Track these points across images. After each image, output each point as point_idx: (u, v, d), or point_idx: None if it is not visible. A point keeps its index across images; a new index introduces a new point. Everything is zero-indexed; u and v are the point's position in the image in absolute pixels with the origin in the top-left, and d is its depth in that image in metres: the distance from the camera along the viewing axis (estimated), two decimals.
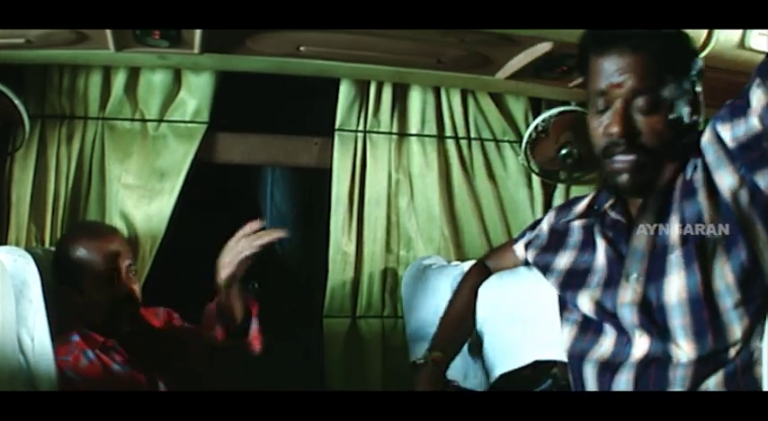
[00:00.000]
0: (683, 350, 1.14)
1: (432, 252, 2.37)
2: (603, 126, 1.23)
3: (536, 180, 2.51)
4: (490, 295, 1.65)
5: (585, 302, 1.30)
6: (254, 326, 1.77)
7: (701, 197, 1.17)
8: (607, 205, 1.35)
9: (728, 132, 1.10)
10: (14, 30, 1.70)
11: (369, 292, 2.35)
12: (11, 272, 1.50)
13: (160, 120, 2.19)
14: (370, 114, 2.36)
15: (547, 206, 2.50)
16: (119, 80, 2.14)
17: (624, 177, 1.23)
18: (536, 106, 2.49)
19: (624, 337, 1.23)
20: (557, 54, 1.91)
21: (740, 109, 1.08)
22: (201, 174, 2.23)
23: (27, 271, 1.59)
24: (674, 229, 1.20)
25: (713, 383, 1.12)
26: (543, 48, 1.89)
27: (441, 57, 2.01)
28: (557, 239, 1.47)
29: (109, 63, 2.09)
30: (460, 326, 1.64)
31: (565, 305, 1.39)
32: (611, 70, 1.20)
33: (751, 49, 1.83)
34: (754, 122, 1.05)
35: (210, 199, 2.50)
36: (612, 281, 1.27)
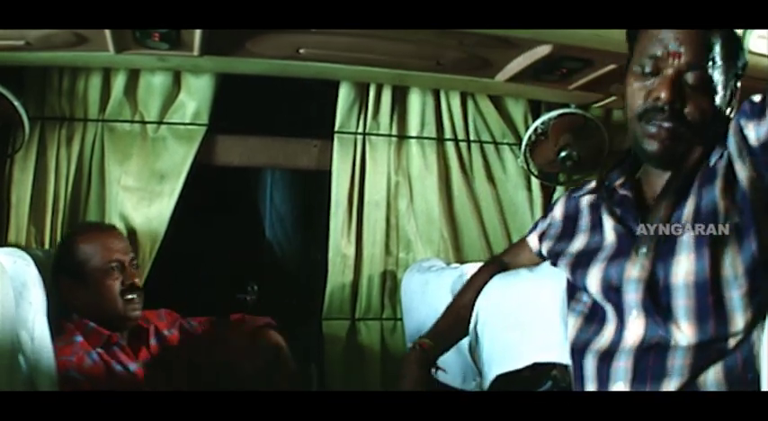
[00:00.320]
0: (684, 333, 1.14)
1: (431, 254, 2.37)
2: (649, 90, 1.22)
3: (535, 182, 2.51)
4: (490, 297, 1.65)
5: (593, 279, 1.29)
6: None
7: (720, 185, 1.16)
8: (618, 183, 1.34)
9: (753, 131, 1.10)
10: (14, 32, 1.70)
11: (368, 294, 2.35)
12: (10, 273, 1.50)
13: (160, 123, 2.19)
14: (369, 117, 2.36)
15: (546, 208, 2.50)
16: (118, 82, 2.14)
17: (657, 144, 1.22)
18: (535, 109, 2.49)
19: (621, 320, 1.23)
20: (556, 56, 1.91)
21: (762, 110, 1.07)
22: (201, 177, 2.23)
23: (27, 272, 1.59)
24: (688, 211, 1.19)
25: (712, 375, 1.11)
26: (543, 50, 1.89)
27: (440, 59, 2.01)
28: (569, 225, 1.46)
29: (109, 65, 2.09)
30: (460, 318, 1.64)
31: (573, 294, 1.38)
32: (672, 38, 1.20)
33: (750, 52, 1.83)
34: None
35: (210, 201, 2.50)
36: (622, 254, 1.26)
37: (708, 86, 1.20)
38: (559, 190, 2.53)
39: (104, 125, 2.15)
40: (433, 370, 1.53)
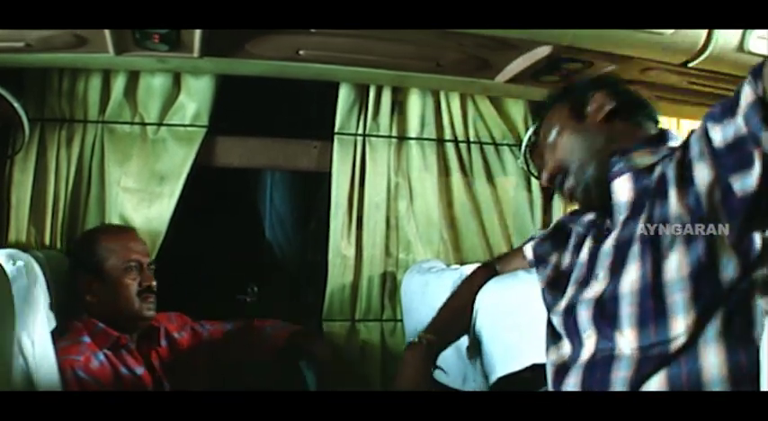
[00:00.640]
0: (627, 338, 1.15)
1: (431, 255, 2.37)
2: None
3: (535, 183, 2.51)
4: (489, 298, 1.65)
5: (561, 303, 1.33)
6: None
7: (673, 191, 1.17)
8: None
9: (719, 133, 1.09)
10: (14, 33, 1.70)
11: (368, 296, 2.34)
12: (10, 275, 1.50)
13: (160, 124, 2.19)
14: (369, 118, 2.36)
15: (546, 209, 2.51)
16: (118, 83, 2.14)
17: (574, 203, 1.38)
18: (535, 110, 2.49)
19: (579, 340, 1.26)
20: (556, 57, 1.91)
21: (731, 109, 1.06)
22: (201, 178, 2.23)
23: (27, 274, 1.59)
24: (640, 226, 1.21)
25: (655, 386, 1.11)
26: (542, 51, 1.89)
27: (440, 60, 2.01)
28: (560, 237, 1.50)
29: (108, 66, 2.09)
30: (457, 317, 1.65)
31: (548, 306, 1.41)
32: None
33: (750, 53, 1.83)
34: (740, 123, 1.04)
35: (210, 202, 2.50)
36: (585, 281, 1.30)
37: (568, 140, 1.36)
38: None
39: (104, 126, 2.15)
40: (432, 368, 1.54)
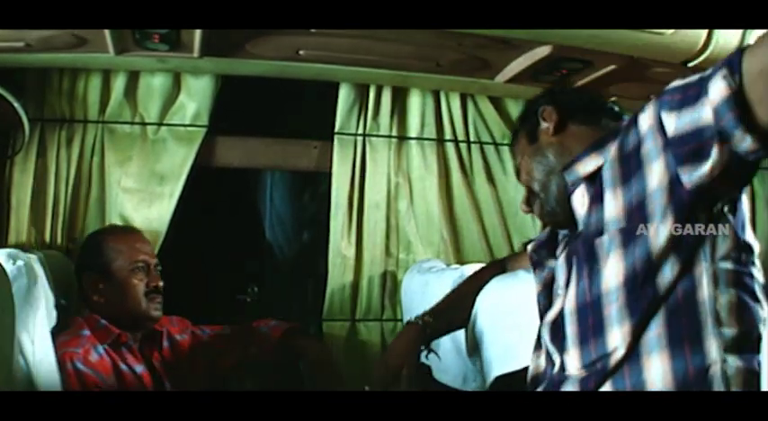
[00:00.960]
0: (572, 358, 1.14)
1: (431, 255, 2.37)
2: None
3: None
4: (489, 298, 1.65)
5: (548, 314, 1.31)
6: None
7: (609, 193, 1.13)
8: None
9: (673, 120, 1.01)
10: (14, 33, 1.70)
11: (368, 296, 2.34)
12: (11, 275, 1.50)
13: (160, 124, 2.19)
14: (369, 118, 2.36)
15: None
16: (118, 83, 2.14)
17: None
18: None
19: (548, 356, 1.26)
20: (556, 57, 1.91)
21: (693, 98, 0.98)
22: (201, 178, 2.23)
23: (27, 274, 1.59)
24: (579, 238, 1.19)
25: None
26: (542, 51, 1.89)
27: (440, 60, 2.01)
28: (553, 243, 1.45)
29: (108, 66, 2.09)
30: (458, 306, 1.66)
31: (540, 313, 1.40)
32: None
33: None
34: (706, 113, 0.95)
35: (210, 202, 2.50)
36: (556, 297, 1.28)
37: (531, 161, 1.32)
38: None
39: (104, 126, 2.15)
40: (426, 352, 1.56)
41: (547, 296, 1.33)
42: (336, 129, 2.34)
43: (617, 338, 1.07)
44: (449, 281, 1.86)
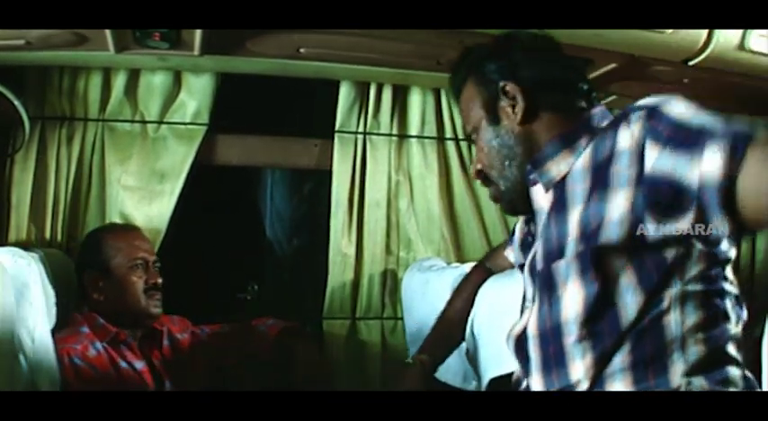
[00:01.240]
0: (536, 383, 1.10)
1: (431, 253, 2.37)
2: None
3: None
4: (485, 298, 1.65)
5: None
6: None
7: (571, 207, 1.06)
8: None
9: (656, 155, 0.93)
10: (14, 31, 1.70)
11: (368, 294, 2.35)
12: (11, 273, 1.50)
13: (160, 122, 2.19)
14: (370, 116, 2.36)
15: None
16: (119, 82, 2.14)
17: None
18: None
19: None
20: None
21: (685, 147, 0.90)
22: (201, 176, 2.23)
23: (27, 272, 1.60)
24: (539, 253, 1.13)
25: None
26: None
27: (440, 58, 2.01)
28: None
29: (109, 64, 2.09)
30: (453, 329, 1.65)
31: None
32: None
33: (751, 51, 1.83)
34: (691, 175, 0.89)
35: (210, 200, 2.50)
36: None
37: (486, 135, 1.20)
38: None
39: (105, 125, 2.15)
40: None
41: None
42: (337, 128, 2.34)
43: (579, 371, 1.03)
44: (449, 279, 1.86)
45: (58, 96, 2.11)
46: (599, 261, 1.00)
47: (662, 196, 0.93)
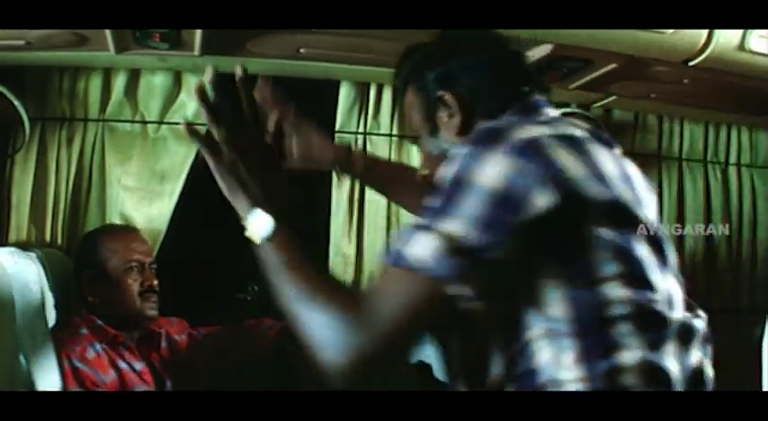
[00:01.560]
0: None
1: None
2: None
3: None
4: None
5: None
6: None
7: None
8: None
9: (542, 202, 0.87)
10: (14, 31, 1.70)
11: None
12: (11, 273, 1.50)
13: (160, 123, 2.19)
14: (370, 116, 2.36)
15: None
16: (119, 82, 2.14)
17: None
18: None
19: None
20: (556, 57, 1.91)
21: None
22: (202, 177, 2.22)
23: (27, 272, 1.60)
24: None
25: None
26: (543, 50, 1.89)
27: None
28: None
29: (109, 65, 2.09)
30: (394, 178, 1.59)
31: None
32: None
33: (751, 52, 1.83)
34: None
35: (211, 201, 2.49)
36: None
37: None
38: None
39: (105, 125, 2.15)
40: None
41: None
42: (337, 128, 2.34)
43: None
44: None
45: (58, 97, 2.10)
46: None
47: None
